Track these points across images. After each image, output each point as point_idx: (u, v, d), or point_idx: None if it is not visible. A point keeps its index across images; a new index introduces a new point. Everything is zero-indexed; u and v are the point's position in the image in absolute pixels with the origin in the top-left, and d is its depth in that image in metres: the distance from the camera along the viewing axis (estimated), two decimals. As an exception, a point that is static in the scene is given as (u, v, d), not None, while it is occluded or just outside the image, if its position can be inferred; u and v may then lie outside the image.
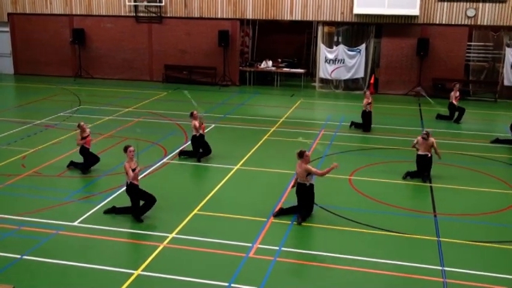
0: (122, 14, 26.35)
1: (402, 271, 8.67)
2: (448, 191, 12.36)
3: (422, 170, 12.90)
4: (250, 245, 9.35)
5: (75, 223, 10.15)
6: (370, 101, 17.18)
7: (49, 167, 13.38)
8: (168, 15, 25.90)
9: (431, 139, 12.79)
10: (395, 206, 11.50)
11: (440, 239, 9.78)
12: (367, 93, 17.50)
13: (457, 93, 18.97)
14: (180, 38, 26.02)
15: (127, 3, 26.00)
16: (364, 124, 17.36)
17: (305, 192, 10.46)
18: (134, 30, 26.42)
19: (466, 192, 12.32)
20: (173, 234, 9.72)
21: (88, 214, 10.54)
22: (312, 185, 10.53)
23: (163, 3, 25.55)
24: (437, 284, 8.27)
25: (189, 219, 10.38)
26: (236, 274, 8.39)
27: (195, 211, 10.78)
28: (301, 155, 10.40)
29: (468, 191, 12.38)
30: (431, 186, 12.53)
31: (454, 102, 18.90)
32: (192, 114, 14.03)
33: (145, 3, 25.85)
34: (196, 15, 25.58)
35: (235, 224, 10.32)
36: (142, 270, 8.46)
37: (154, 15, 25.97)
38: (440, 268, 8.73)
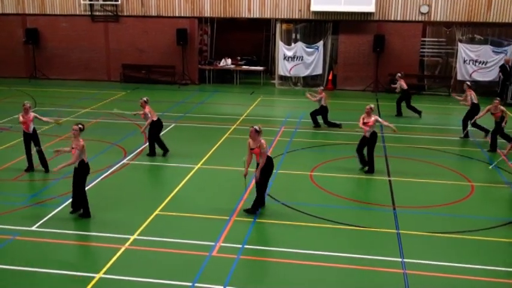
0: (77, 13, 25.86)
1: (364, 264, 8.82)
2: (406, 184, 12.63)
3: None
4: (213, 243, 9.34)
5: (33, 228, 9.91)
6: (324, 96, 17.38)
7: (4, 170, 13.03)
8: (125, 13, 25.57)
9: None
10: (356, 200, 11.69)
11: (400, 231, 9.99)
12: (321, 89, 17.67)
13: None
14: (137, 36, 25.72)
15: (82, 1, 25.53)
16: (325, 117, 17.58)
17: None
18: (90, 30, 25.96)
19: (423, 185, 12.61)
20: (135, 236, 9.61)
21: (46, 218, 10.31)
22: None
23: (119, 2, 25.21)
24: (398, 275, 8.45)
25: (150, 220, 10.29)
26: (199, 273, 8.37)
27: (157, 211, 10.69)
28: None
29: (425, 184, 12.68)
30: (389, 180, 12.78)
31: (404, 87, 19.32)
32: (147, 102, 13.88)
33: (100, 1, 25.43)
34: (153, 14, 25.33)
35: (197, 223, 10.29)
36: (104, 273, 8.33)
37: (110, 13, 25.57)
38: (400, 260, 8.91)
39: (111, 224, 10.14)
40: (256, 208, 10.57)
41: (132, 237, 9.54)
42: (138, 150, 14.69)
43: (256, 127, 10.43)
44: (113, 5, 25.37)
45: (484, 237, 9.82)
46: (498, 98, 15.59)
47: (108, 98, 22.15)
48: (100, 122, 18.02)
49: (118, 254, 8.96)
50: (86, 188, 10.49)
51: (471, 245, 9.57)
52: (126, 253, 9.03)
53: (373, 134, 12.97)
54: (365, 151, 13.20)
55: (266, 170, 10.46)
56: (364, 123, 12.94)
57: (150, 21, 25.45)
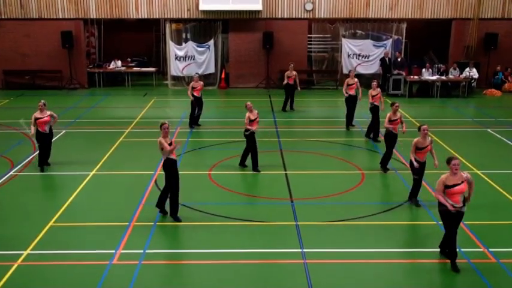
0: None
1: (266, 258, 9.02)
2: (302, 176, 13.05)
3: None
4: (113, 251, 9.10)
5: None
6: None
7: None
8: (3, 16, 24.07)
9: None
10: (255, 196, 11.90)
11: (298, 222, 10.31)
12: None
13: (293, 73, 19.78)
14: (18, 40, 24.30)
15: (-47, 4, 23.69)
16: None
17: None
18: (-36, 35, 24.17)
19: (317, 176, 13.10)
20: (28, 251, 9.12)
21: None
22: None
23: (-5, 4, 23.69)
24: (299, 265, 8.72)
25: (44, 233, 9.80)
26: (101, 283, 8.12)
27: (51, 223, 10.21)
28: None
29: (319, 175, 13.18)
30: (286, 174, 13.14)
31: (289, 82, 19.81)
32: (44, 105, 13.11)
33: (-26, 4, 23.75)
34: (34, 16, 24.06)
35: (95, 231, 9.96)
36: (-4, 294, 7.86)
37: (-14, 17, 23.97)
38: (300, 250, 9.21)
39: (0, 241, 9.53)
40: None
41: (25, 253, 9.04)
42: (27, 160, 13.94)
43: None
44: (-12, 7, 23.80)
45: (376, 222, 10.40)
46: (375, 80, 16.33)
47: (-10, 106, 20.78)
48: (-18, 132, 16.88)
49: (10, 272, 8.44)
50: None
51: (365, 230, 10.09)
52: (20, 270, 8.54)
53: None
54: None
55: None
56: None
57: (32, 23, 24.12)
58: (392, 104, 13.02)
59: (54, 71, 24.57)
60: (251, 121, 12.94)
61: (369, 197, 11.78)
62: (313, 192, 11.97)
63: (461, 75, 23.42)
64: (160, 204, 10.56)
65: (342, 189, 12.18)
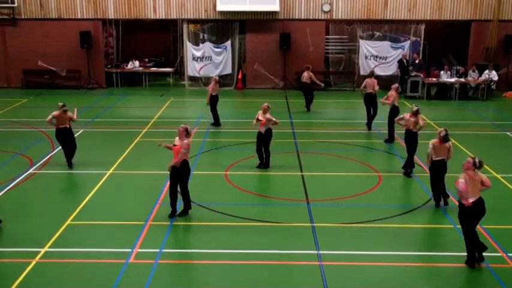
0: (-30, 17, 24.32)
1: (282, 259, 8.99)
2: (318, 178, 13.01)
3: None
4: (129, 250, 9.14)
5: None
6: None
7: None
8: (23, 17, 24.34)
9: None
10: (271, 197, 11.88)
11: (314, 224, 10.28)
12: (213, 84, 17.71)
13: (311, 74, 19.74)
14: (38, 40, 24.54)
15: (-26, 5, 24.02)
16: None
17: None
18: (-15, 35, 24.49)
19: (334, 178, 13.05)
20: (46, 248, 9.21)
21: None
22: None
23: (16, 4, 23.93)
24: (314, 267, 8.69)
25: (62, 231, 9.89)
26: (117, 281, 8.17)
27: (68, 221, 10.30)
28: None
29: (336, 176, 13.12)
30: (302, 175, 13.09)
31: (307, 82, 19.79)
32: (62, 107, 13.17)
33: (-5, 4, 24.06)
34: (54, 16, 24.31)
35: (112, 230, 10.03)
36: (15, 290, 7.94)
37: (6, 17, 24.23)
38: (316, 252, 9.17)
39: (19, 238, 9.62)
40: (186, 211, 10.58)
41: (43, 250, 9.13)
42: (46, 158, 14.07)
43: (187, 126, 10.30)
44: (9, 7, 24.05)
45: (393, 224, 10.33)
46: (396, 84, 16.07)
47: (10, 105, 21.01)
48: (1, 131, 17.07)
49: (28, 268, 8.54)
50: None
51: (382, 233, 10.02)
52: (38, 267, 8.63)
53: (268, 130, 13.21)
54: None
55: (183, 173, 10.36)
56: (258, 120, 13.17)
57: (51, 24, 24.38)
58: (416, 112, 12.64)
59: (73, 70, 24.80)
60: (258, 121, 13.10)
61: (386, 200, 11.70)
62: (330, 194, 11.92)
63: (480, 78, 23.17)
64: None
65: (359, 191, 12.11)
